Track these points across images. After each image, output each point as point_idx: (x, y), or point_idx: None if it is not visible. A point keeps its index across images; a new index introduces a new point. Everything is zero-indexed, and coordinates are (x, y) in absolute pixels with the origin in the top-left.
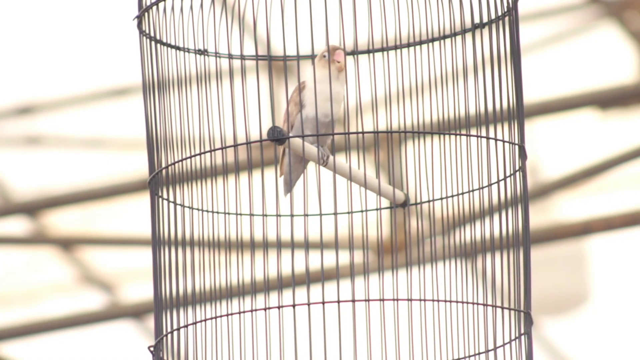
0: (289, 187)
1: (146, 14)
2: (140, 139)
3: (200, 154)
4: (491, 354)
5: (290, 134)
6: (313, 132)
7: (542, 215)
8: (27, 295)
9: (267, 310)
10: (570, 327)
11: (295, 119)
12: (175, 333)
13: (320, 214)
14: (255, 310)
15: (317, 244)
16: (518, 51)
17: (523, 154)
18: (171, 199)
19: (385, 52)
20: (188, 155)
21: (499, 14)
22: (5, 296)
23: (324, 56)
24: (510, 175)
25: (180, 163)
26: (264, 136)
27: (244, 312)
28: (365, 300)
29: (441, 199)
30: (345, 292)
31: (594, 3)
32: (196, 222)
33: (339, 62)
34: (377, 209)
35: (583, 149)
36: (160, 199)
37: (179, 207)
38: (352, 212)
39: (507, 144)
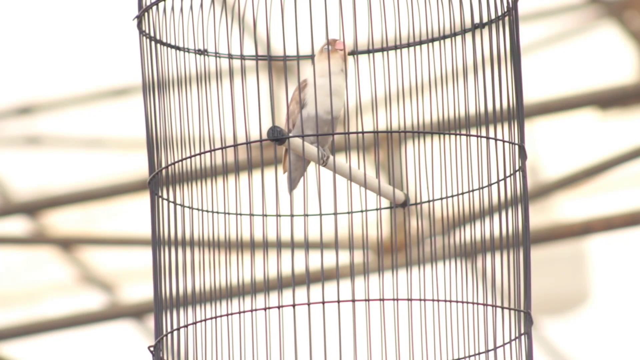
0: (293, 183)
1: (146, 14)
2: (140, 139)
3: (200, 154)
4: (491, 354)
5: (292, 134)
6: (314, 132)
7: (542, 215)
8: (27, 295)
9: (267, 310)
10: (570, 327)
11: (297, 118)
12: (175, 333)
13: (320, 214)
14: (255, 310)
15: (317, 244)
16: (518, 51)
17: (523, 154)
18: (171, 199)
19: (385, 52)
20: (188, 155)
21: (499, 14)
22: (5, 296)
23: (324, 50)
24: (510, 175)
25: (180, 163)
26: (264, 136)
27: (244, 312)
28: (365, 300)
29: (441, 199)
30: (345, 292)
31: (594, 3)
32: (196, 222)
33: (340, 49)
34: (377, 209)
35: (583, 149)
36: (160, 199)
37: (179, 207)
38: (352, 212)
39: (507, 144)
